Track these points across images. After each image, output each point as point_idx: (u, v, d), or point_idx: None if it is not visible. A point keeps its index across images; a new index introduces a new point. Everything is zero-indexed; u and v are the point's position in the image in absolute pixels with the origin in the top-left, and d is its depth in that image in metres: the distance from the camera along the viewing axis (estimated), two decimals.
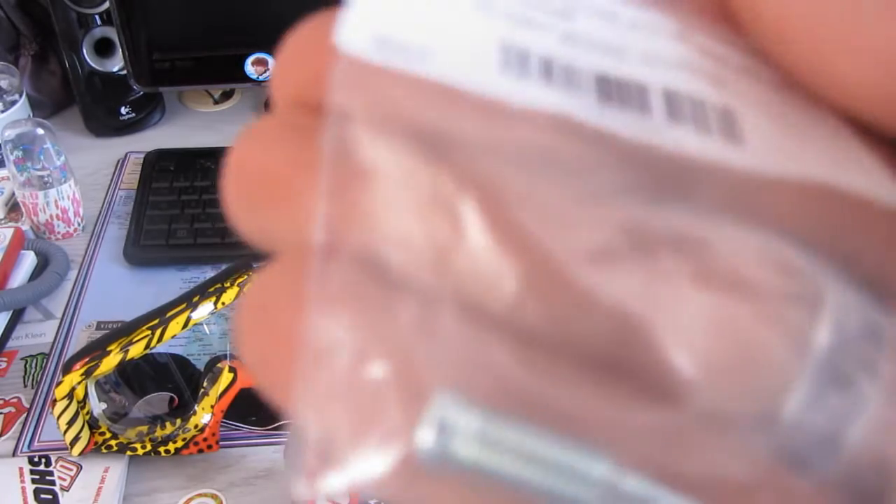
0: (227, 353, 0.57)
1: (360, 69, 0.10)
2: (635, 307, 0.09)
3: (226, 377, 0.54)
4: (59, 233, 0.75)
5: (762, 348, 0.09)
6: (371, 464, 0.08)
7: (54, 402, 0.51)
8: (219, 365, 0.55)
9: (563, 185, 0.09)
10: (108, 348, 0.52)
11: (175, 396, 0.59)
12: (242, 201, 0.11)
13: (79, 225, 0.77)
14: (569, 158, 0.10)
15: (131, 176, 0.85)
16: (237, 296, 0.57)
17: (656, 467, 0.09)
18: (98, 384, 0.55)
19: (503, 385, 0.09)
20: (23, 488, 0.53)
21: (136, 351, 0.51)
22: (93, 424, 0.54)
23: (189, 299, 0.56)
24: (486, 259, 0.09)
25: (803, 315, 0.09)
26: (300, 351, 0.09)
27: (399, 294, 0.09)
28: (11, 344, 0.65)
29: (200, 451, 0.55)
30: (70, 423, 0.52)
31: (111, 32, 0.84)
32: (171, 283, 0.72)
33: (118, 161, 0.88)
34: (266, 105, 0.98)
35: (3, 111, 0.80)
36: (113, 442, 0.54)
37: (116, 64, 0.86)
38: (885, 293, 0.10)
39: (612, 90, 0.10)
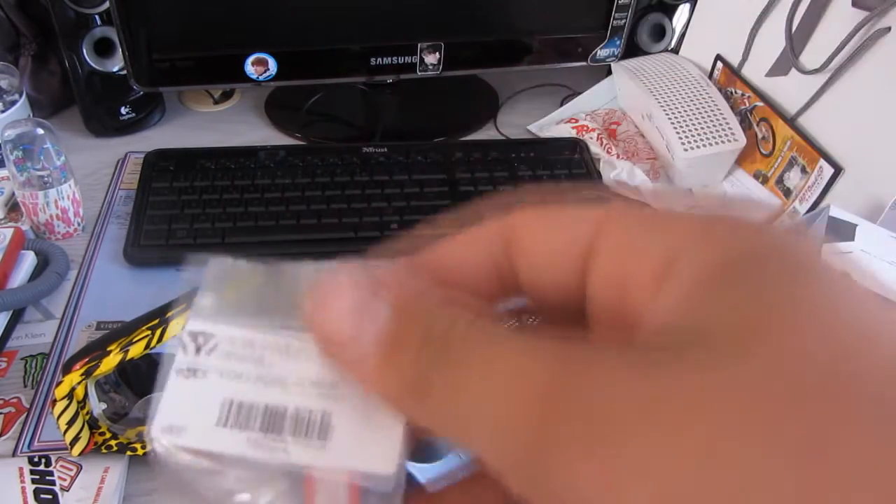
0: None
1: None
2: None
3: None
4: (59, 233, 0.75)
5: None
6: None
7: (54, 402, 0.51)
8: None
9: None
10: (108, 348, 0.52)
11: None
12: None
13: (79, 225, 0.77)
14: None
15: (131, 176, 0.85)
16: None
17: None
18: (98, 384, 0.55)
19: None
20: (23, 488, 0.53)
21: (136, 351, 0.51)
22: (93, 424, 0.54)
23: (189, 299, 0.56)
24: None
25: None
26: None
27: None
28: (11, 344, 0.65)
29: None
30: (70, 423, 0.52)
31: (111, 32, 0.84)
32: (171, 283, 0.71)
33: (118, 161, 0.88)
34: (266, 105, 0.98)
35: (3, 111, 0.80)
36: (113, 442, 0.54)
37: (116, 64, 0.86)
38: None
39: (271, 420, 0.18)
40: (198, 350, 0.20)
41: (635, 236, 0.17)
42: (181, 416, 0.19)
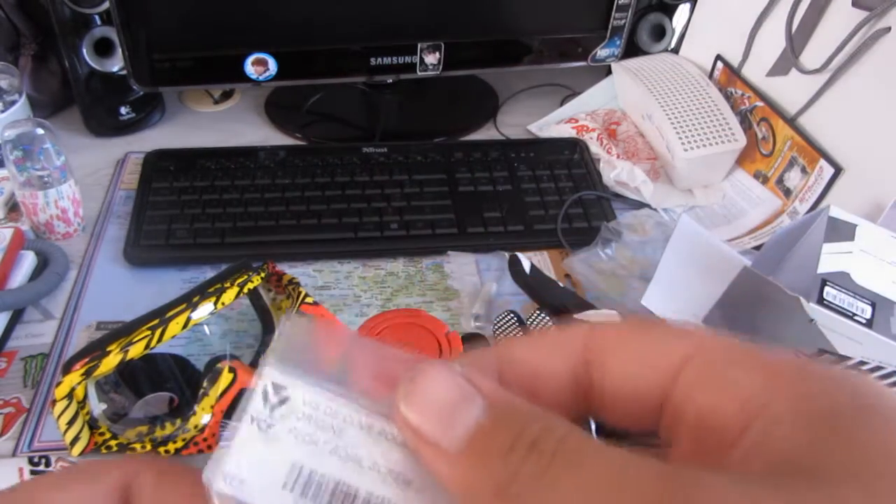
0: (227, 353, 0.57)
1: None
2: None
3: (225, 377, 0.54)
4: (58, 233, 0.75)
5: None
6: None
7: (54, 402, 0.51)
8: (218, 365, 0.55)
9: None
10: (108, 348, 0.52)
11: (175, 396, 0.59)
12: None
13: (79, 225, 0.77)
14: None
15: (131, 176, 0.85)
16: (237, 296, 0.57)
17: None
18: (98, 384, 0.55)
19: None
20: None
21: (136, 351, 0.51)
22: (93, 425, 0.54)
23: (189, 299, 0.56)
24: None
25: None
26: None
27: None
28: (11, 344, 0.65)
29: (200, 451, 0.55)
30: (70, 424, 0.52)
31: (111, 32, 0.84)
32: (171, 283, 0.72)
33: (118, 161, 0.88)
34: (266, 105, 0.98)
35: (3, 111, 0.80)
36: (113, 442, 0.54)
37: (116, 64, 0.86)
38: None
39: (341, 499, 0.18)
40: (276, 403, 0.19)
41: (726, 370, 0.18)
42: (246, 469, 0.19)
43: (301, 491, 0.18)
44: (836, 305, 0.54)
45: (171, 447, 0.54)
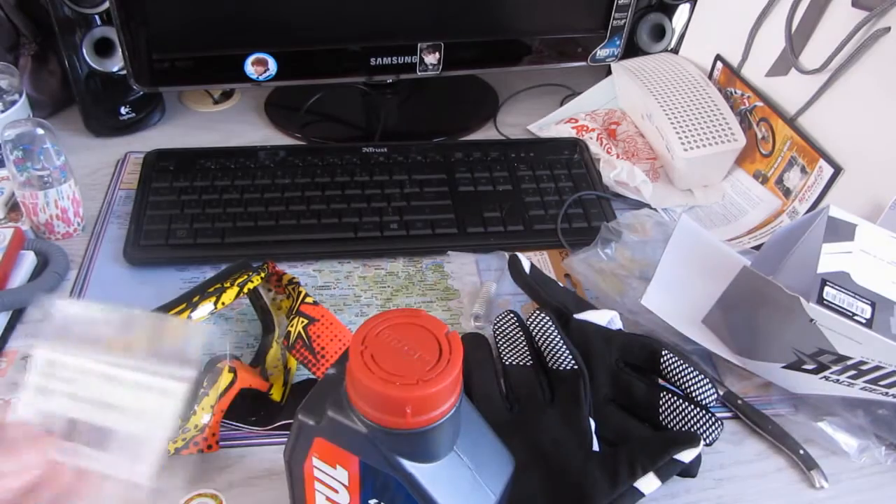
0: (227, 353, 0.57)
1: None
2: None
3: (226, 377, 0.54)
4: (58, 233, 0.75)
5: None
6: None
7: None
8: (219, 365, 0.55)
9: None
10: None
11: None
12: None
13: (78, 225, 0.77)
14: None
15: (131, 176, 0.85)
16: (237, 296, 0.57)
17: None
18: None
19: None
20: None
21: None
22: None
23: (189, 299, 0.56)
24: None
25: None
26: None
27: None
28: (11, 344, 0.65)
29: (200, 451, 0.55)
30: None
31: (111, 32, 0.84)
32: (171, 283, 0.71)
33: (118, 161, 0.88)
34: (266, 105, 0.98)
35: (3, 111, 0.80)
36: None
37: (116, 64, 0.86)
38: None
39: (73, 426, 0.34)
40: (46, 373, 0.31)
41: None
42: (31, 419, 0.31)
43: (66, 433, 0.29)
44: (836, 305, 0.54)
45: (171, 447, 0.54)
